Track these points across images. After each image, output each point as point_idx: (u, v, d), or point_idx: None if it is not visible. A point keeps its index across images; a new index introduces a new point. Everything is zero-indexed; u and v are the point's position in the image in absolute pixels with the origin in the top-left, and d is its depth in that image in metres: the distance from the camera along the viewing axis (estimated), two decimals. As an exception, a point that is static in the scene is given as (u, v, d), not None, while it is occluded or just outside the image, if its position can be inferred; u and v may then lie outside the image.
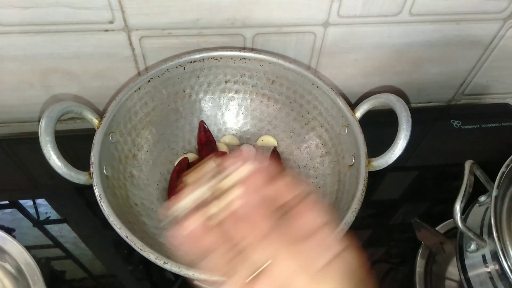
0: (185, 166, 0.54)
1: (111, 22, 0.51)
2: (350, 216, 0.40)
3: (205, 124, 0.57)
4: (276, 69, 0.54)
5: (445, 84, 0.69)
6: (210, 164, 0.27)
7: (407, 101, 0.66)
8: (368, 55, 0.61)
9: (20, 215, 0.53)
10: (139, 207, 0.48)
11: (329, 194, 0.50)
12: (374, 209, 0.57)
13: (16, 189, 0.57)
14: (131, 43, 0.54)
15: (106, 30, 0.52)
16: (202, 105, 0.57)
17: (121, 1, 0.48)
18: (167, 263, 0.37)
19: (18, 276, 0.44)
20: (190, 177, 0.27)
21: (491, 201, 0.43)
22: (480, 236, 0.47)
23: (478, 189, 0.50)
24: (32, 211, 0.54)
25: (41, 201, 0.55)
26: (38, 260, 0.44)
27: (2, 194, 0.56)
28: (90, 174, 0.42)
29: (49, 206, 0.54)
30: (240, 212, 0.25)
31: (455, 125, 0.66)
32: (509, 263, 0.40)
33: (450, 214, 0.45)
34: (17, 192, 0.56)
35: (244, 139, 0.58)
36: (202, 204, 0.26)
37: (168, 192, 0.51)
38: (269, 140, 0.57)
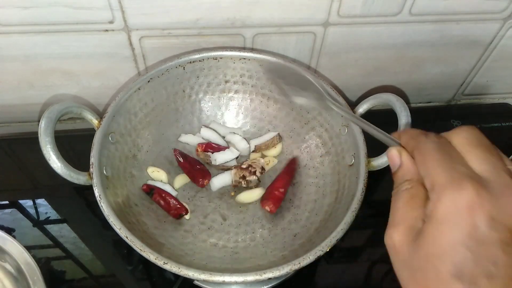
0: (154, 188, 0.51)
1: (111, 22, 0.51)
2: (350, 216, 0.40)
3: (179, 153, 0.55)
4: (276, 69, 0.54)
5: (445, 84, 0.69)
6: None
7: (407, 101, 0.66)
8: (368, 55, 0.61)
9: (20, 215, 0.53)
10: (139, 207, 0.48)
11: (329, 194, 0.50)
12: (374, 209, 0.57)
13: (16, 189, 0.57)
14: (131, 43, 0.54)
15: (106, 30, 0.52)
16: (202, 105, 0.57)
17: (121, 1, 0.49)
18: (167, 263, 0.37)
19: (18, 276, 0.44)
20: None
21: (491, 201, 0.43)
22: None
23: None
24: (32, 211, 0.54)
25: (41, 201, 0.55)
26: (38, 260, 0.44)
27: (2, 194, 0.56)
28: (90, 175, 0.42)
29: (49, 206, 0.54)
30: None
31: (455, 125, 0.66)
32: (509, 263, 0.40)
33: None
34: (17, 192, 0.56)
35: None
36: None
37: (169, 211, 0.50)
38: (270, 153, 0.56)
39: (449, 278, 0.21)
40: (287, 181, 0.52)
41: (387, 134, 0.30)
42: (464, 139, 0.25)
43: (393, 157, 0.27)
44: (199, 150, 0.55)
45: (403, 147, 0.27)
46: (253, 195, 0.52)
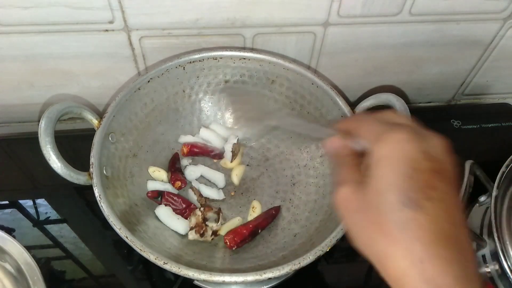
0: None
1: (111, 22, 0.51)
2: (350, 216, 0.40)
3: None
4: (276, 69, 0.54)
5: (445, 84, 0.69)
6: None
7: (407, 101, 0.66)
8: (368, 55, 0.61)
9: (20, 215, 0.53)
10: (139, 207, 0.48)
11: (329, 194, 0.50)
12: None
13: (16, 189, 0.57)
14: (131, 43, 0.54)
15: (106, 30, 0.52)
16: (202, 105, 0.57)
17: (121, 1, 0.49)
18: (167, 263, 0.37)
19: (18, 276, 0.44)
20: None
21: (491, 201, 0.43)
22: (480, 236, 0.47)
23: (478, 189, 0.50)
24: (32, 211, 0.54)
25: (41, 201, 0.55)
26: (38, 260, 0.44)
27: (2, 194, 0.56)
28: (90, 175, 0.42)
29: (49, 206, 0.54)
30: None
31: (455, 125, 0.66)
32: (509, 263, 0.40)
33: (450, 214, 0.44)
34: (17, 192, 0.56)
35: (244, 139, 0.58)
36: None
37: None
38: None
39: (399, 206, 0.24)
40: (259, 224, 0.49)
41: (324, 126, 0.33)
42: (391, 113, 0.30)
43: (335, 140, 0.30)
44: (184, 150, 0.55)
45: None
46: (235, 223, 0.51)
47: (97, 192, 0.41)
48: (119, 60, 0.56)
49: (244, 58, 0.54)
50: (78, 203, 0.55)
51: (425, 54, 0.62)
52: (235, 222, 0.50)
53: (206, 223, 0.48)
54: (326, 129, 0.32)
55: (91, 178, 0.42)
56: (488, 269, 0.44)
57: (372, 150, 0.26)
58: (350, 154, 0.29)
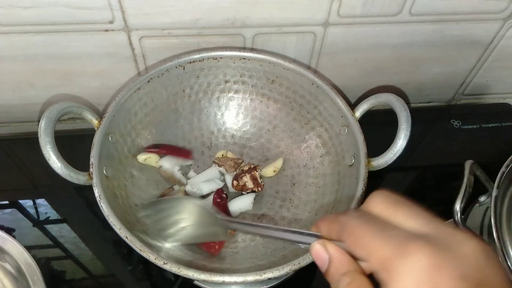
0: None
1: (111, 22, 0.51)
2: (350, 216, 0.40)
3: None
4: (276, 69, 0.54)
5: (445, 84, 0.69)
6: None
7: (407, 101, 0.66)
8: (368, 55, 0.61)
9: (20, 215, 0.53)
10: (139, 207, 0.48)
11: (329, 194, 0.50)
12: (374, 209, 0.57)
13: (16, 189, 0.57)
14: (131, 43, 0.54)
15: (106, 30, 0.52)
16: (201, 105, 0.57)
17: (121, 1, 0.49)
18: (166, 264, 0.37)
19: (18, 276, 0.44)
20: None
21: (491, 201, 0.43)
22: (480, 236, 0.47)
23: (478, 189, 0.50)
24: (32, 211, 0.54)
25: (41, 201, 0.55)
26: (38, 260, 0.43)
27: (2, 194, 0.56)
28: (89, 175, 0.42)
29: (49, 206, 0.54)
30: None
31: (455, 125, 0.66)
32: (509, 263, 0.40)
33: (450, 214, 0.45)
34: (17, 192, 0.56)
35: (244, 139, 0.58)
36: None
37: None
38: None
39: None
40: None
41: (303, 231, 0.26)
42: (382, 204, 0.22)
43: (318, 253, 0.24)
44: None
45: (326, 238, 0.24)
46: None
47: (97, 192, 0.41)
48: (119, 60, 0.56)
49: (244, 58, 0.54)
50: (78, 203, 0.55)
51: (425, 54, 0.62)
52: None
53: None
54: (302, 235, 0.25)
55: (91, 178, 0.42)
56: (488, 269, 0.44)
57: (386, 280, 0.20)
58: (353, 271, 0.22)
